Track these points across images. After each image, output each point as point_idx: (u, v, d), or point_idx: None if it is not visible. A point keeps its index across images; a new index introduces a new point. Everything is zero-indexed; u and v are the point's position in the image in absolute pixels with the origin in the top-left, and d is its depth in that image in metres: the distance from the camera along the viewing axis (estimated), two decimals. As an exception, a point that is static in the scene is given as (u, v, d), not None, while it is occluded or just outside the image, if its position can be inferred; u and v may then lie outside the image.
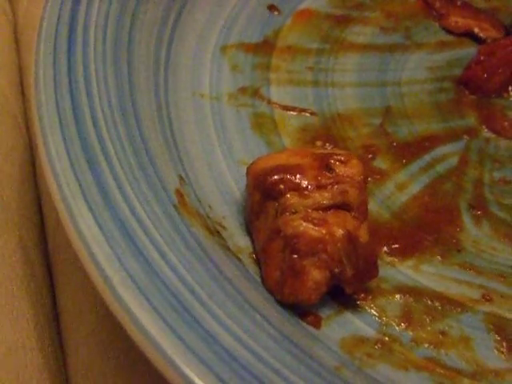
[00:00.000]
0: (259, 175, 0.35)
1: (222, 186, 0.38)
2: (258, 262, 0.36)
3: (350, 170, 0.35)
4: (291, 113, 0.42)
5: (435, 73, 0.46)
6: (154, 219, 0.32)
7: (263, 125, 0.41)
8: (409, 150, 0.42)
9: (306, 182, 0.35)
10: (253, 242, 0.36)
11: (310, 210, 0.34)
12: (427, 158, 0.42)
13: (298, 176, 0.35)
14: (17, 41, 0.51)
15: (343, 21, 0.48)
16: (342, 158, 0.35)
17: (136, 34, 0.40)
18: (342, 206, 0.35)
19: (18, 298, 0.38)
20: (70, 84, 0.36)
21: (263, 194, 0.35)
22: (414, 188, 0.41)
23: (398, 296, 0.36)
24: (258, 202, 0.35)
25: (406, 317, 0.36)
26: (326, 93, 0.44)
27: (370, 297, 0.36)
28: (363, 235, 0.35)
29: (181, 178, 0.37)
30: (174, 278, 0.30)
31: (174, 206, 0.34)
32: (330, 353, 0.33)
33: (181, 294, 0.30)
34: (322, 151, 0.36)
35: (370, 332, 0.35)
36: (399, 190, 0.40)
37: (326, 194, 0.35)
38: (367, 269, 0.35)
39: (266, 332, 0.31)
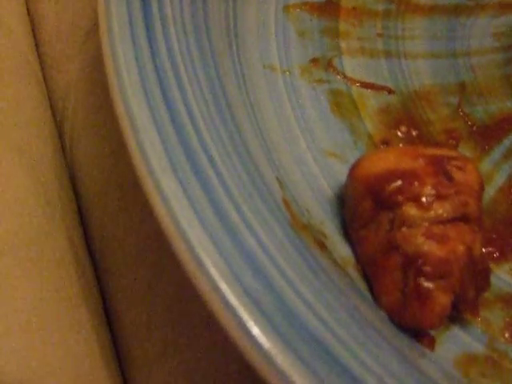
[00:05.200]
0: (372, 182, 0.32)
1: (314, 185, 0.35)
2: (364, 275, 0.33)
3: (468, 177, 0.33)
4: (369, 91, 0.39)
5: (501, 41, 0.44)
6: (277, 245, 0.29)
7: (342, 105, 0.38)
8: (489, 135, 0.40)
9: (426, 192, 0.32)
10: (355, 250, 0.33)
11: (430, 224, 0.32)
12: (507, 142, 0.40)
13: (416, 184, 0.32)
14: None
15: (404, -24, 0.44)
16: (459, 164, 0.33)
17: (207, 2, 0.35)
18: (460, 218, 0.32)
19: (76, 307, 0.34)
20: (159, 78, 0.31)
21: (377, 202, 0.32)
22: (499, 180, 0.39)
23: (499, 306, 0.35)
24: (368, 210, 0.33)
25: (510, 328, 0.34)
26: (400, 66, 0.41)
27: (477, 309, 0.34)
28: (477, 247, 0.33)
29: (278, 180, 0.33)
30: (305, 310, 0.28)
31: (289, 223, 0.30)
32: (453, 378, 0.31)
33: (317, 330, 0.28)
34: (431, 152, 0.33)
35: (478, 348, 0.34)
36: (487, 183, 0.38)
37: (447, 206, 0.32)
38: (482, 283, 0.33)
39: (394, 358, 0.30)
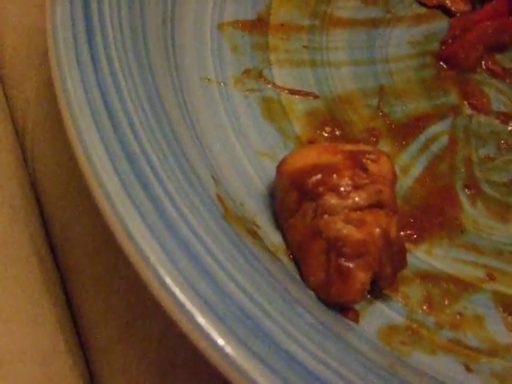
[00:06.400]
0: (296, 176, 0.34)
1: (247, 182, 0.37)
2: (293, 259, 0.35)
3: (381, 168, 0.35)
4: (296, 97, 0.40)
5: (416, 48, 0.45)
6: (210, 234, 0.31)
7: (273, 111, 0.40)
8: (406, 131, 0.42)
9: (344, 183, 0.34)
10: (285, 238, 0.35)
11: (348, 211, 0.33)
12: (422, 138, 0.42)
13: (335, 177, 0.34)
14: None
15: (327, -6, 0.46)
16: (373, 157, 0.35)
17: (147, 19, 0.36)
18: (375, 205, 0.34)
19: (39, 301, 0.35)
20: (100, 88, 0.32)
21: (301, 194, 0.34)
22: (416, 170, 0.41)
23: (418, 281, 0.37)
24: (294, 201, 0.34)
25: (428, 301, 0.36)
26: (324, 73, 0.42)
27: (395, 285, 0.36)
28: (393, 230, 0.35)
29: (213, 178, 0.34)
30: (236, 290, 0.30)
31: (222, 215, 0.32)
32: (375, 347, 0.33)
33: (250, 310, 0.30)
34: (349, 148, 0.35)
35: (399, 320, 0.35)
36: (404, 174, 0.40)
37: (363, 195, 0.34)
38: (399, 261, 0.35)
39: (321, 333, 0.31)
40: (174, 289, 0.28)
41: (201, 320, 0.28)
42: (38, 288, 0.36)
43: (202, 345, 0.28)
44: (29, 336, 0.34)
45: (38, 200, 0.40)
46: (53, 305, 0.36)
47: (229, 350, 0.28)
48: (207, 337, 0.28)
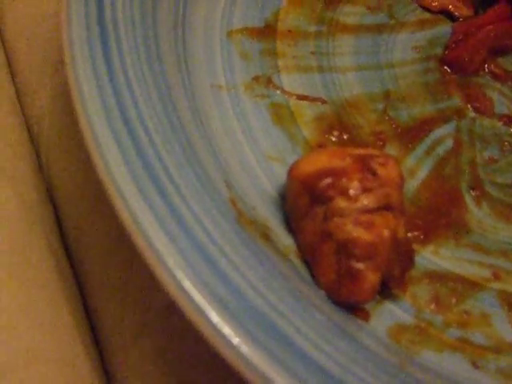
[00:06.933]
0: (307, 180, 0.35)
1: (258, 186, 0.37)
2: (304, 260, 0.35)
3: (390, 171, 0.35)
4: (305, 102, 0.41)
5: (420, 53, 0.46)
6: (225, 238, 0.32)
7: (282, 116, 0.40)
8: (412, 135, 0.42)
9: (353, 187, 0.34)
10: (296, 240, 0.36)
11: (358, 214, 0.34)
12: (428, 141, 0.42)
13: (344, 180, 0.34)
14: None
15: (333, 1, 0.46)
16: (382, 161, 0.35)
17: (158, 31, 0.37)
18: (384, 207, 0.35)
19: (57, 304, 0.36)
20: (115, 94, 0.33)
21: (312, 197, 0.35)
22: (422, 173, 0.41)
23: (425, 281, 0.37)
24: (305, 204, 0.35)
25: (435, 301, 0.37)
26: (331, 79, 0.43)
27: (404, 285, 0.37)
28: (401, 232, 0.35)
29: (226, 183, 0.35)
30: (250, 291, 0.31)
31: (236, 219, 0.33)
32: (386, 345, 0.34)
33: (264, 310, 0.30)
34: (358, 152, 0.36)
35: (408, 319, 0.36)
36: (410, 177, 0.41)
37: (372, 198, 0.34)
38: (407, 262, 0.35)
39: (333, 332, 0.32)
40: (191, 290, 0.29)
41: (216, 320, 0.29)
42: (56, 291, 0.36)
43: (217, 344, 0.28)
44: (46, 338, 0.34)
45: (52, 203, 0.41)
46: (70, 307, 0.36)
47: (244, 348, 0.28)
48: (222, 336, 0.28)
